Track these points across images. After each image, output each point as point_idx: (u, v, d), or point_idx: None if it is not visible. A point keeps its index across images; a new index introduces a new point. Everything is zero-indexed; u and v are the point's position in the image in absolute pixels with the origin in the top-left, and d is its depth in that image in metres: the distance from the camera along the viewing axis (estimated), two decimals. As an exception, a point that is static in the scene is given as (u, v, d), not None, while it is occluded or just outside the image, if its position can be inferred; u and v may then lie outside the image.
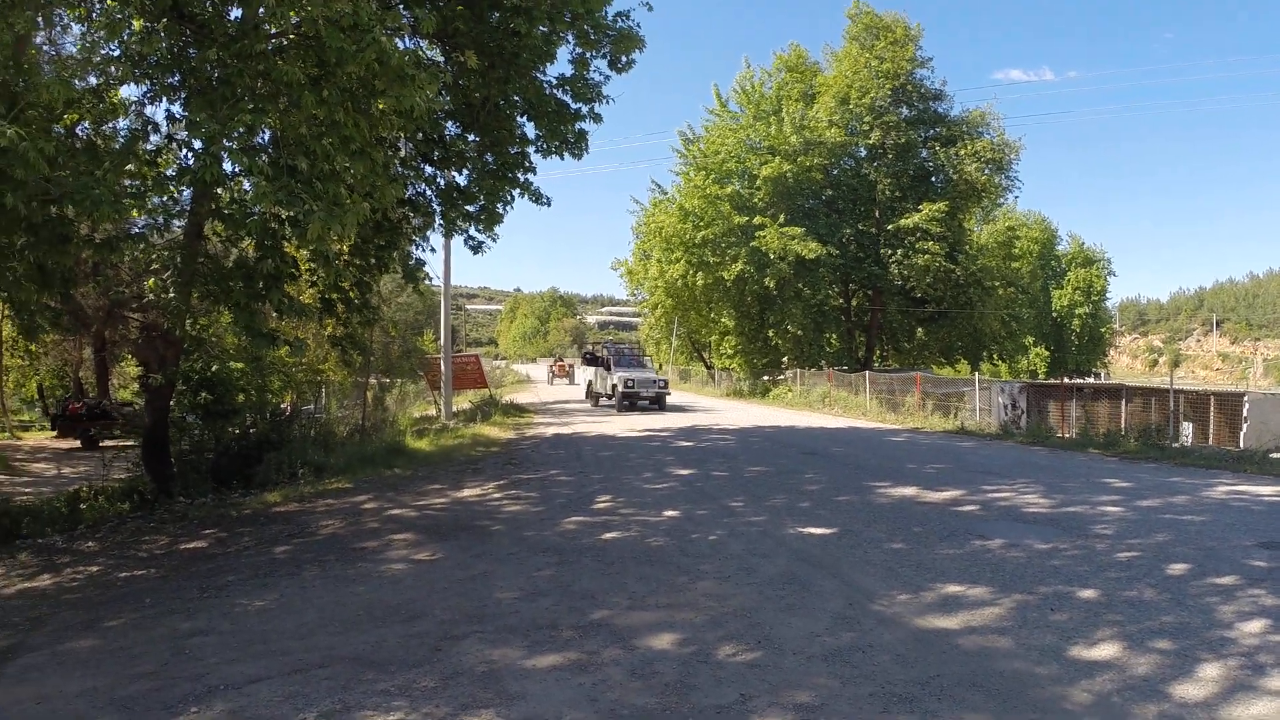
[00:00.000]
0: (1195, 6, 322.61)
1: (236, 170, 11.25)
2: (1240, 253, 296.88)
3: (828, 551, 10.24)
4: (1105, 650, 6.73)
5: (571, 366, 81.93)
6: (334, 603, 8.32)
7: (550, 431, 28.41)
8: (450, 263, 31.77)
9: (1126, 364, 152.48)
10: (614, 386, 39.29)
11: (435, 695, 5.96)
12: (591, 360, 45.11)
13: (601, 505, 13.78)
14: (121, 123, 12.22)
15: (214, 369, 17.93)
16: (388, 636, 7.23)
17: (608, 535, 11.39)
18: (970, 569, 9.31)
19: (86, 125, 11.82)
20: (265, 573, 9.70)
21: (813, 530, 11.48)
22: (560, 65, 19.17)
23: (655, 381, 39.88)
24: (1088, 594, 8.29)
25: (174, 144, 12.00)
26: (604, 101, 17.09)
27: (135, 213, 11.47)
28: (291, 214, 10.66)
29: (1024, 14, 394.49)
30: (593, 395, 43.23)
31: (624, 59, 16.81)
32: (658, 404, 39.24)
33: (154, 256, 13.83)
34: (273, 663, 6.66)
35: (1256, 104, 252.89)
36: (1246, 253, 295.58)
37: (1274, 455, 19.83)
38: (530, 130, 17.43)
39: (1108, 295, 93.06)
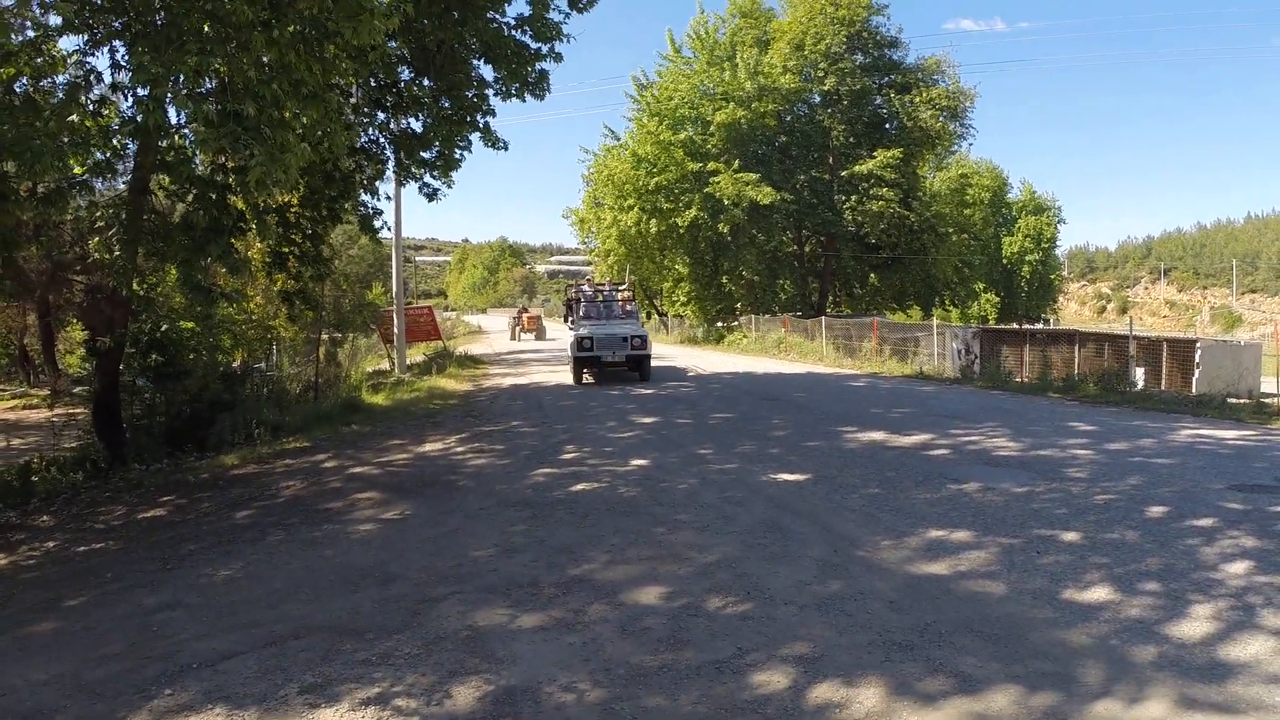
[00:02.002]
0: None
1: (181, 119, 10.82)
2: (1188, 204, 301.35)
3: (804, 498, 10.14)
4: (1097, 593, 6.67)
5: (539, 319, 70.32)
6: (303, 568, 8.03)
7: (508, 382, 28.33)
8: (401, 211, 31.33)
9: (1075, 310, 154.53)
10: (572, 344, 26.14)
11: (419, 663, 5.70)
12: (569, 307, 29.84)
13: (569, 456, 13.59)
14: (61, 78, 11.72)
15: (163, 329, 17.42)
16: (363, 602, 6.96)
17: (578, 487, 11.19)
18: (950, 513, 9.25)
19: (25, 80, 11.29)
20: (228, 539, 9.36)
21: (786, 477, 11.36)
22: (518, 5, 18.88)
23: (626, 339, 25.86)
24: (1071, 537, 8.24)
25: (118, 93, 11.51)
26: (565, 40, 16.74)
27: (78, 169, 11.00)
28: (235, 161, 10.29)
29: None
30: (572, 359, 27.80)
31: None
32: (635, 370, 26.65)
33: (98, 215, 13.38)
34: (245, 636, 6.36)
35: (1207, 61, 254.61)
36: (1194, 204, 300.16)
37: (1232, 400, 20.01)
38: (488, 73, 17.08)
39: (1057, 243, 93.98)
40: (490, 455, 13.98)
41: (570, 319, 28.71)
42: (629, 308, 29.06)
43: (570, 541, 8.52)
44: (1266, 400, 19.66)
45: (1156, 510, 9.21)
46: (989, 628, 6.04)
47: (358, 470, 13.17)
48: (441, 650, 5.91)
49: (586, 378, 26.41)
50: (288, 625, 6.53)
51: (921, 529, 8.63)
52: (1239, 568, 7.24)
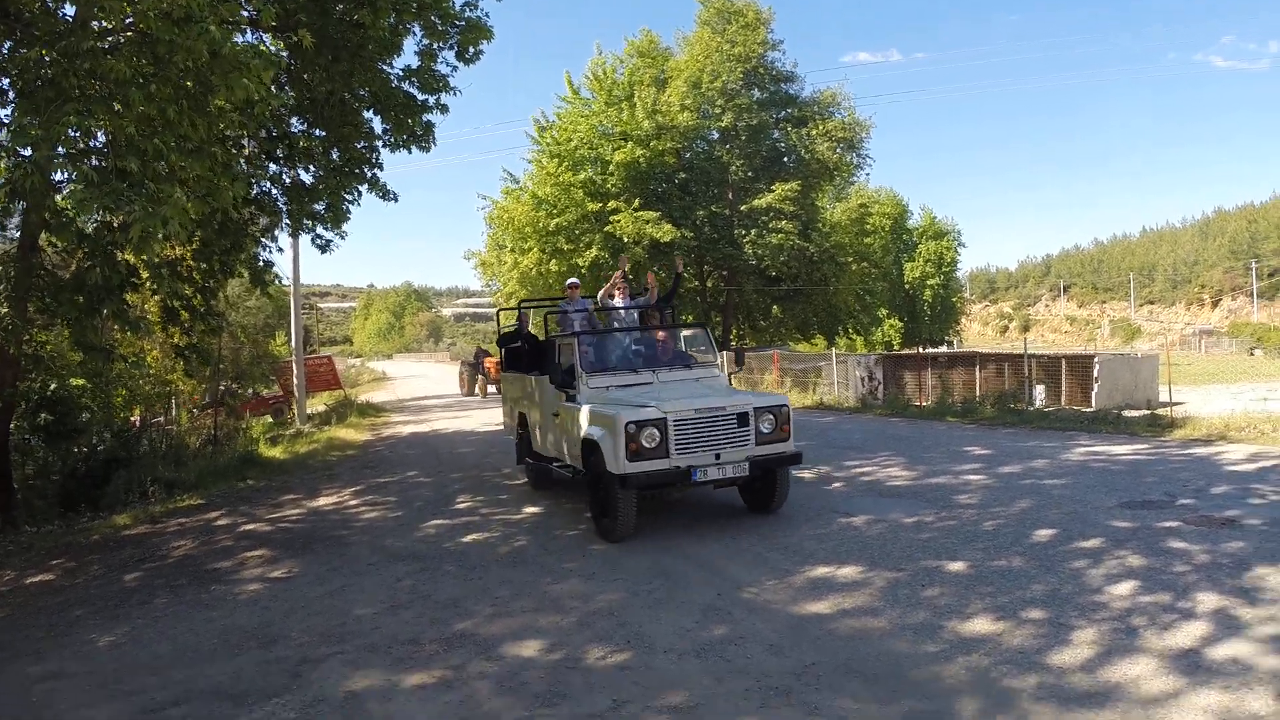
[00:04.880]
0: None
1: (65, 178, 10.76)
2: (1086, 221, 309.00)
3: (694, 540, 10.27)
4: (979, 624, 6.86)
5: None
6: (188, 632, 8.01)
7: (407, 431, 27.93)
8: (299, 262, 30.80)
9: (978, 331, 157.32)
10: (588, 440, 10.91)
11: (295, 727, 5.74)
12: (510, 352, 15.98)
13: (462, 505, 13.65)
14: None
15: (54, 387, 17.16)
16: (245, 665, 6.98)
17: (469, 538, 11.27)
18: (838, 549, 9.42)
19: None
20: (116, 604, 9.29)
21: (678, 519, 11.47)
22: (407, 57, 18.70)
23: (746, 418, 10.75)
24: (957, 567, 8.45)
25: (2, 152, 11.43)
26: (452, 93, 16.76)
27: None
28: (118, 218, 10.25)
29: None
30: (526, 454, 14.75)
31: (471, 50, 16.38)
32: (760, 494, 11.56)
33: (-14, 271, 13.23)
34: (126, 704, 6.38)
35: (1095, 80, 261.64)
36: (1092, 221, 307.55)
37: (1127, 414, 20.54)
38: (377, 124, 17.02)
39: (958, 266, 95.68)
40: (383, 508, 13.95)
41: (514, 370, 15.43)
42: (694, 341, 14.18)
43: (456, 595, 8.59)
44: (1160, 413, 20.15)
45: (1044, 534, 9.48)
46: (869, 667, 6.18)
47: (250, 527, 13.10)
48: (319, 714, 5.97)
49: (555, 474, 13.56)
50: (169, 692, 6.53)
51: (808, 567, 8.78)
52: (1124, 588, 7.47)
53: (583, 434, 11.01)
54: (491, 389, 43.77)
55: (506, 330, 16.84)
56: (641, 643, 6.93)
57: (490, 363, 45.26)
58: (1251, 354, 77.56)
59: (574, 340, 12.29)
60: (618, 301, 14.76)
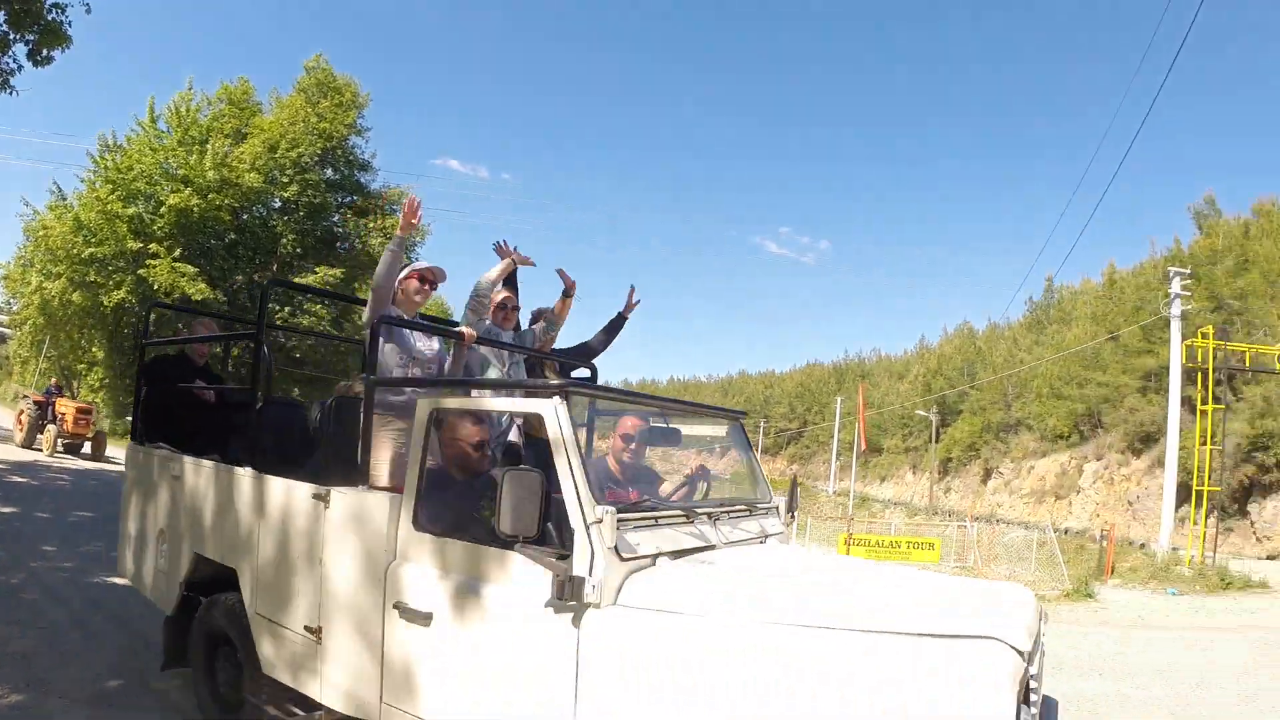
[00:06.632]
0: (634, 154, 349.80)
1: None
2: (623, 362, 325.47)
3: (125, 600, 10.53)
4: None
5: (92, 413, 35.12)
6: None
7: None
8: None
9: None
10: None
11: None
12: (166, 401, 8.56)
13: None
14: None
15: None
16: None
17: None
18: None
19: None
20: None
21: (118, 580, 11.51)
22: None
23: None
24: None
25: None
26: (11, 92, 16.58)
27: None
28: None
29: (466, 111, 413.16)
30: (221, 671, 7.05)
31: (45, 52, 16.23)
32: None
33: None
34: None
35: (664, 241, 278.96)
36: (627, 362, 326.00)
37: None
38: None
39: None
40: None
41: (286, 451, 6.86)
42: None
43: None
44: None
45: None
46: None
47: None
48: None
49: None
50: None
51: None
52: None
53: None
54: (69, 444, 33.30)
55: (158, 354, 9.76)
56: (41, 687, 7.55)
57: (67, 406, 33.52)
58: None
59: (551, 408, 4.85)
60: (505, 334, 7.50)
